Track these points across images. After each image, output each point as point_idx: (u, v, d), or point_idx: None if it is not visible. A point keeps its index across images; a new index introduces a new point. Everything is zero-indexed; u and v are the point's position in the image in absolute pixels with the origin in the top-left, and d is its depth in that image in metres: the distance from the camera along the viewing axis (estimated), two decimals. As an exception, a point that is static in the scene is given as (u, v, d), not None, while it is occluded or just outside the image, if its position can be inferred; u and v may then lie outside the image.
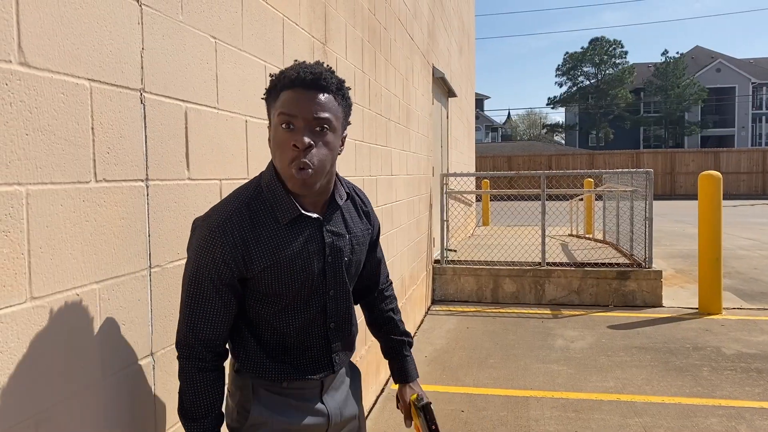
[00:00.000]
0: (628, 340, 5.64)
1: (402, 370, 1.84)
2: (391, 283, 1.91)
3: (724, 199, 6.46)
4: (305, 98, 1.38)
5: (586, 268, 7.27)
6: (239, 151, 2.18)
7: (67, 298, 1.35)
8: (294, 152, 1.36)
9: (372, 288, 1.85)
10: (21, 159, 1.22)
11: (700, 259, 6.77)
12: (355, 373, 1.77)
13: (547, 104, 59.15)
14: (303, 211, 1.47)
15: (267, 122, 1.54)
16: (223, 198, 1.54)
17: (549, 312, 6.86)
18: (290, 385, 1.55)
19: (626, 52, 53.70)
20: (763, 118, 56.11)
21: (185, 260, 1.45)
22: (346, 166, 3.55)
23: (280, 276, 1.46)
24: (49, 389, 1.30)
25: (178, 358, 1.47)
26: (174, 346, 1.68)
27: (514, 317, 6.63)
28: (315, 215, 1.49)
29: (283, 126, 1.38)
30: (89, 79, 1.41)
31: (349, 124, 1.53)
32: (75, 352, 1.38)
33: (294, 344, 1.54)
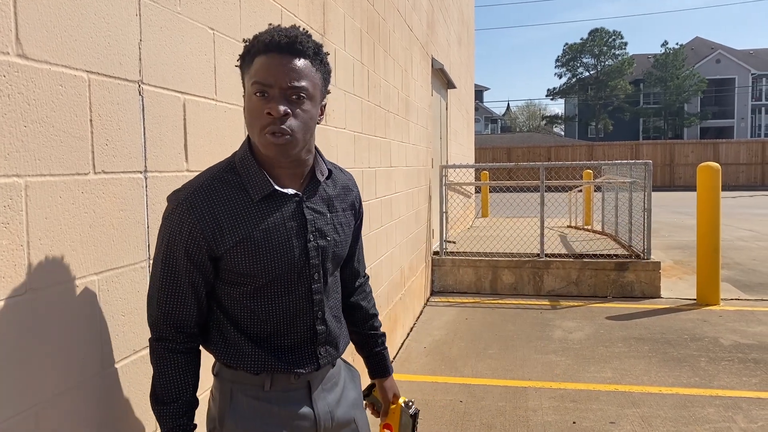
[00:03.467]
0: (626, 331, 5.66)
1: (380, 364, 1.79)
2: (368, 277, 1.83)
3: (723, 190, 6.47)
4: (280, 64, 1.29)
5: (584, 260, 7.29)
6: (237, 142, 2.18)
7: (67, 290, 1.36)
8: (268, 119, 1.29)
9: (351, 279, 1.74)
10: (20, 151, 1.22)
11: (699, 250, 6.78)
12: (353, 375, 1.66)
13: (547, 95, 59.06)
14: (277, 187, 1.38)
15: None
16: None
17: (547, 303, 6.88)
18: (274, 387, 1.43)
19: (626, 43, 53.61)
20: (763, 109, 56.05)
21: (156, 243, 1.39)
22: (345, 158, 3.55)
23: (254, 253, 1.35)
24: (49, 380, 1.30)
25: (150, 339, 1.40)
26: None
27: (512, 308, 6.65)
28: (292, 191, 1.41)
29: (257, 94, 1.30)
30: (87, 71, 1.41)
31: (328, 92, 1.45)
32: (74, 343, 1.38)
33: (276, 332, 1.43)
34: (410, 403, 1.79)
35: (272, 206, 1.38)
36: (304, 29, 1.38)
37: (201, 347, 1.46)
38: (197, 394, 1.43)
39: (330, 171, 1.51)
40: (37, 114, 1.26)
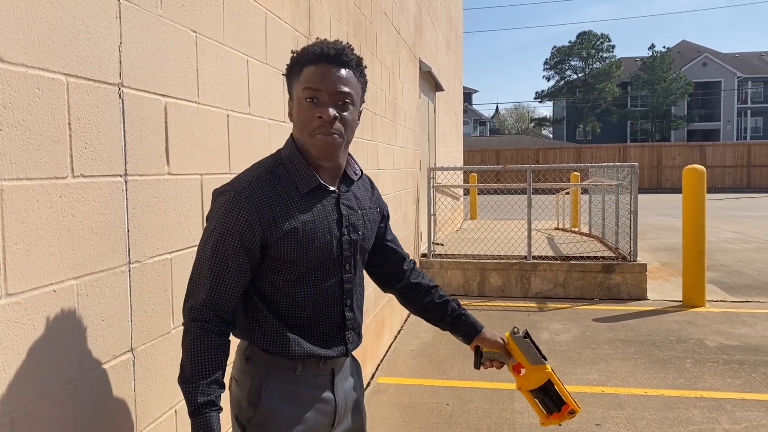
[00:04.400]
0: (613, 333, 5.69)
1: (469, 323, 1.83)
2: (414, 261, 1.91)
3: (709, 192, 6.54)
4: (329, 73, 1.45)
5: (571, 262, 7.32)
6: (221, 145, 2.17)
7: (44, 295, 1.35)
8: (319, 122, 1.45)
9: (400, 270, 1.84)
10: (-5, 154, 1.21)
11: (685, 252, 6.83)
12: (357, 366, 1.78)
13: (535, 98, 59.38)
14: (322, 182, 1.52)
15: (287, 99, 1.57)
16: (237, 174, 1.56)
17: (535, 305, 6.90)
18: (304, 371, 1.55)
19: (613, 46, 53.90)
20: (749, 112, 56.60)
21: (203, 235, 1.48)
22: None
23: (300, 242, 1.47)
24: (26, 386, 1.29)
25: (184, 322, 1.45)
26: (184, 319, 1.49)
27: (500, 310, 6.66)
28: (332, 188, 1.56)
29: (308, 100, 1.45)
30: (65, 74, 1.40)
31: (363, 101, 1.59)
32: (52, 349, 1.37)
33: (311, 317, 1.54)
34: (516, 330, 1.79)
35: (316, 200, 1.52)
36: (347, 43, 1.53)
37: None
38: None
39: (361, 171, 1.66)
40: (14, 117, 1.25)
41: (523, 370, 1.77)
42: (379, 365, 4.84)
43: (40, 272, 1.33)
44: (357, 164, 1.65)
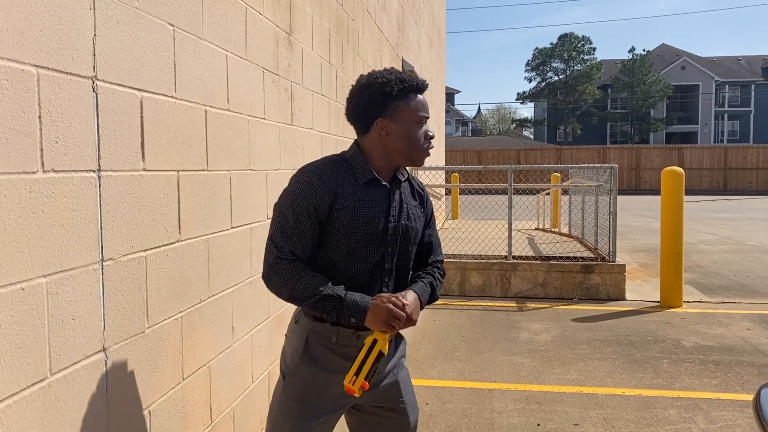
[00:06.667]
0: (592, 333, 5.72)
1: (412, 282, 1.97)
2: (442, 262, 2.09)
3: (687, 194, 6.64)
4: (426, 101, 1.91)
5: (551, 262, 7.36)
6: (198, 141, 2.13)
7: (12, 293, 1.30)
8: (428, 140, 1.89)
9: (424, 260, 2.04)
10: (-40, 147, 1.16)
11: (663, 253, 6.90)
12: (398, 340, 2.00)
13: (517, 99, 59.75)
14: (376, 175, 1.85)
15: (375, 116, 1.87)
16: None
17: (515, 305, 6.93)
18: (339, 341, 1.81)
19: (594, 49, 54.43)
20: (725, 115, 57.48)
21: (278, 202, 1.81)
22: (312, 158, 3.51)
23: (354, 217, 1.79)
24: (-8, 387, 1.25)
25: (270, 272, 1.74)
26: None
27: (480, 310, 6.67)
28: (384, 182, 1.87)
29: (419, 123, 1.86)
30: (36, 66, 1.36)
31: None
32: (20, 349, 1.33)
33: (356, 288, 1.79)
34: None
35: (370, 189, 1.85)
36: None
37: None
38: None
39: (408, 175, 2.00)
40: (-20, 109, 1.21)
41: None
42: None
43: (7, 270, 1.29)
44: (405, 170, 1.99)
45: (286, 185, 1.83)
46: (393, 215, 1.87)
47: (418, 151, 1.88)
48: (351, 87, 1.91)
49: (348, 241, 1.80)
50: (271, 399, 1.96)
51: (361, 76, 1.91)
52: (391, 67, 1.89)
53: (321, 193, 1.77)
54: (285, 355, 1.90)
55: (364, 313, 1.73)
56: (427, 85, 1.91)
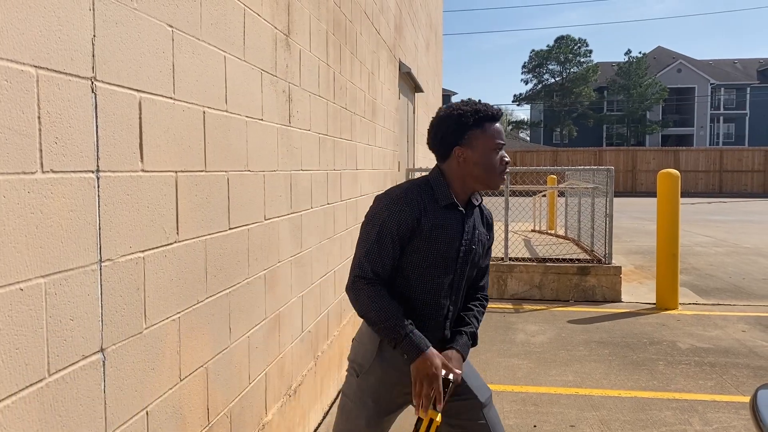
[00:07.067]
0: (588, 335, 5.73)
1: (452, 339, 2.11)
2: (487, 296, 2.27)
3: (682, 197, 6.62)
4: (500, 129, 2.05)
5: (547, 264, 7.37)
6: (196, 142, 2.14)
7: (10, 293, 1.30)
8: (504, 165, 2.04)
9: (473, 288, 2.22)
10: (-40, 148, 1.16)
11: (658, 255, 6.92)
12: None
13: (513, 101, 59.74)
14: (455, 200, 2.03)
15: (451, 143, 2.07)
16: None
17: (511, 306, 6.94)
18: None
19: (591, 51, 54.50)
20: (721, 118, 57.67)
21: (363, 223, 2.02)
22: (310, 160, 3.52)
23: (433, 240, 1.97)
24: (-10, 387, 1.25)
25: (351, 287, 1.96)
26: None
27: (476, 312, 6.67)
28: (461, 207, 2.05)
29: (496, 150, 2.02)
30: (35, 66, 1.36)
31: None
32: (18, 349, 1.33)
33: (425, 304, 2.01)
34: (446, 375, 1.98)
35: (449, 213, 2.03)
36: None
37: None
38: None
39: (480, 201, 2.17)
40: (-20, 110, 1.21)
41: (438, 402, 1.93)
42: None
43: (6, 270, 1.29)
44: (480, 196, 2.17)
45: (371, 207, 2.02)
46: (465, 239, 2.04)
47: (492, 176, 2.04)
48: (431, 119, 2.09)
49: (425, 260, 1.99)
50: (340, 399, 2.15)
51: (440, 108, 2.08)
52: (468, 99, 2.06)
53: (407, 217, 1.95)
54: (356, 356, 2.08)
55: (417, 356, 1.90)
56: (502, 113, 2.07)
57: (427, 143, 2.11)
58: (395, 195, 1.99)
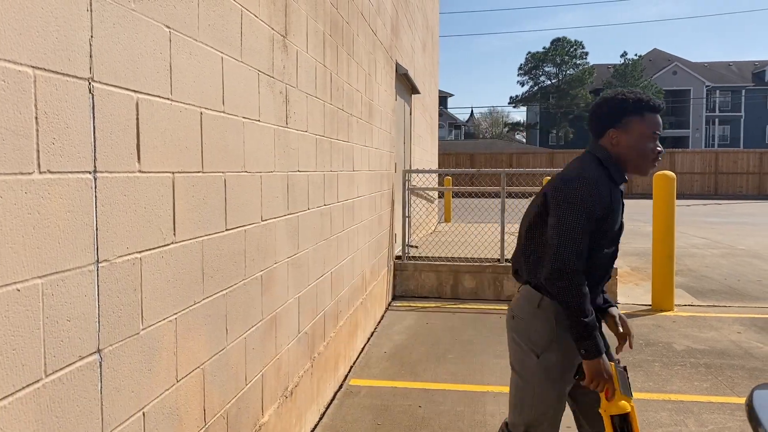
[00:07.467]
0: (584, 336, 5.74)
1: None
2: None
3: (678, 198, 6.67)
4: (660, 122, 2.19)
5: (544, 265, 7.37)
6: (193, 143, 2.14)
7: (7, 294, 1.30)
8: (657, 153, 2.20)
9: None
10: (-43, 148, 1.16)
11: (654, 257, 6.93)
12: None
13: (509, 103, 59.91)
14: (626, 178, 2.26)
15: (607, 126, 2.27)
16: (571, 166, 2.27)
17: (507, 308, 6.94)
18: None
19: (587, 53, 54.77)
20: (716, 120, 57.84)
21: (562, 209, 2.12)
22: (307, 161, 3.52)
23: (613, 217, 2.16)
24: (-13, 388, 1.25)
25: (562, 278, 2.06)
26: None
27: (473, 313, 6.68)
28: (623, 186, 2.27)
29: (650, 136, 2.17)
30: (33, 67, 1.36)
31: None
32: (15, 350, 1.33)
33: (598, 276, 2.24)
34: (618, 361, 2.25)
35: (618, 191, 2.22)
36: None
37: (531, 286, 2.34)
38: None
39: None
40: (-23, 110, 1.21)
41: (611, 396, 2.12)
42: (351, 367, 4.82)
43: (2, 271, 1.29)
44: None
45: (567, 192, 2.12)
46: (622, 213, 2.26)
47: (644, 162, 2.19)
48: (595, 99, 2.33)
49: (605, 237, 2.17)
50: (519, 380, 2.33)
51: (607, 90, 2.24)
52: (636, 88, 2.26)
53: (602, 202, 2.10)
54: (531, 336, 2.26)
55: (592, 357, 2.08)
56: (663, 107, 2.21)
57: (587, 120, 2.30)
58: (591, 178, 2.11)
